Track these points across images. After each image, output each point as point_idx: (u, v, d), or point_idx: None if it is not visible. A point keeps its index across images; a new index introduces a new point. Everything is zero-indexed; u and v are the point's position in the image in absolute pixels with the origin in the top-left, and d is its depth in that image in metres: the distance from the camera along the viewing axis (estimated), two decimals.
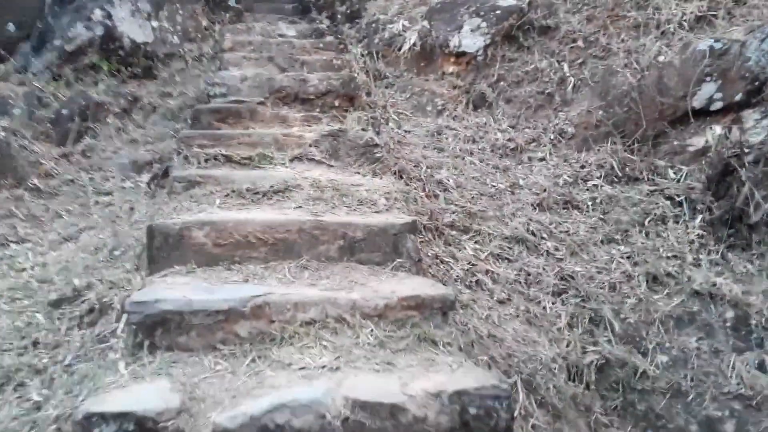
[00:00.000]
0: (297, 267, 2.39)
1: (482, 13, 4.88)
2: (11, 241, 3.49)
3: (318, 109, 4.49)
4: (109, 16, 5.04)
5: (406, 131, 4.55)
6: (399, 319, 2.01)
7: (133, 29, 5.23)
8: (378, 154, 3.34)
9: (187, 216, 2.51)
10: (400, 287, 2.17)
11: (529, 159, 4.32)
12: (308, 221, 2.47)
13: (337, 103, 4.55)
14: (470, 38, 4.84)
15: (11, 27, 4.95)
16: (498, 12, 4.85)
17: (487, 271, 3.13)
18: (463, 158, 4.26)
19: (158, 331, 1.90)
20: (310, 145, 3.32)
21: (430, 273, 2.75)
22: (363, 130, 3.70)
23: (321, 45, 5.50)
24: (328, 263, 2.43)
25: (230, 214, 2.56)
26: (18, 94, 4.76)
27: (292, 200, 2.77)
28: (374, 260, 2.47)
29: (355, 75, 4.79)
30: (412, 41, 5.04)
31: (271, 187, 2.81)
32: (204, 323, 1.91)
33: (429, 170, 3.88)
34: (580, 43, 4.82)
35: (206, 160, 3.16)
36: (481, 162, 4.23)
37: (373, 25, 5.84)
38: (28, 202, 3.94)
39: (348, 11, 6.35)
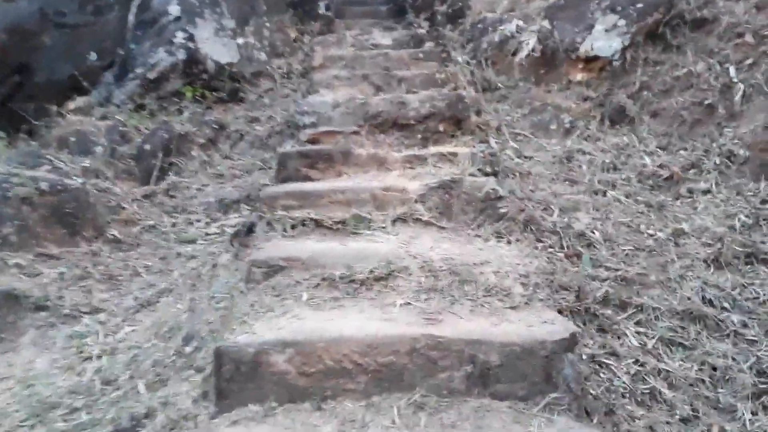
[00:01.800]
0: (409, 405, 1.71)
1: (619, 8, 3.96)
2: (84, 313, 3.08)
3: (420, 136, 3.83)
4: (192, 38, 4.59)
5: (526, 158, 3.75)
6: None
7: (217, 49, 4.76)
8: (502, 210, 2.60)
9: (265, 327, 1.90)
10: None
11: (690, 192, 3.40)
12: (422, 338, 1.79)
13: (441, 128, 3.86)
14: (604, 39, 3.94)
15: (93, 56, 4.63)
16: (639, 5, 3.92)
17: (660, 371, 2.31)
18: (605, 193, 3.41)
19: None
20: (416, 201, 2.64)
21: (591, 393, 1.99)
22: (480, 171, 2.96)
23: (420, 55, 4.79)
24: (452, 399, 1.74)
25: (319, 323, 1.92)
26: (100, 130, 4.41)
27: (396, 291, 2.10)
28: (517, 394, 1.75)
29: (462, 92, 4.05)
30: (530, 46, 4.21)
31: (371, 272, 2.15)
32: None
33: (564, 216, 3.07)
34: (748, 38, 3.79)
35: (293, 226, 2.57)
36: (627, 198, 3.37)
37: (479, 25, 5.05)
38: (105, 258, 3.54)
39: (449, 11, 5.58)
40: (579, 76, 4.08)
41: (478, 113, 4.09)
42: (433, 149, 3.59)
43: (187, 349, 2.42)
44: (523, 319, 1.96)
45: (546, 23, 4.28)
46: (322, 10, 5.73)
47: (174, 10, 4.62)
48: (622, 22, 3.90)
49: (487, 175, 2.94)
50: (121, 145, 4.38)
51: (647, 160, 3.62)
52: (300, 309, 2.02)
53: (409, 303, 2.02)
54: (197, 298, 2.96)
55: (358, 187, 2.71)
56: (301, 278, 2.16)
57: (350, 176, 3.05)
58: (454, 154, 3.07)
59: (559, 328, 1.87)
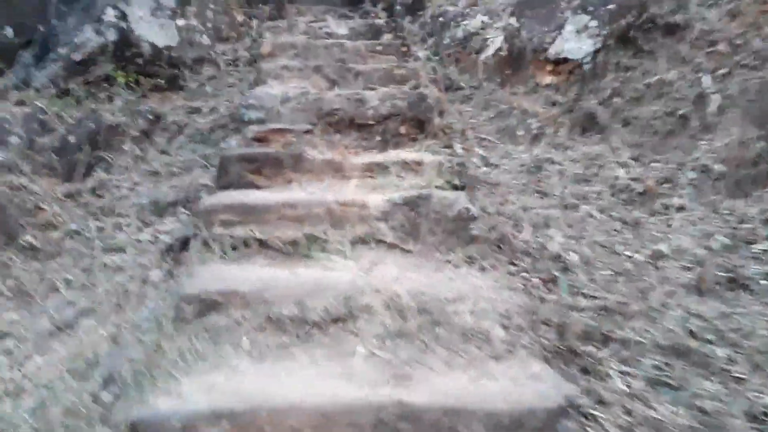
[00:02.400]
0: None
1: (590, 8, 3.69)
2: None
3: (379, 137, 3.48)
4: (124, 17, 4.06)
5: (493, 165, 3.46)
6: None
7: (154, 31, 4.25)
8: (474, 231, 2.28)
9: (195, 386, 1.52)
10: None
11: (665, 208, 3.17)
12: (390, 405, 1.45)
13: (403, 130, 3.52)
14: (575, 41, 3.67)
15: (9, 32, 4.03)
16: (611, 6, 3.66)
17: (649, 419, 2.05)
18: (577, 208, 3.15)
19: None
20: (378, 219, 2.29)
21: None
22: (448, 183, 2.64)
23: (379, 47, 4.42)
24: None
25: (262, 381, 1.55)
26: (17, 117, 3.84)
27: (357, 336, 1.75)
28: None
29: (425, 92, 3.71)
30: (496, 44, 3.90)
31: (327, 311, 1.79)
32: None
33: (536, 233, 2.80)
34: (722, 47, 3.59)
35: (233, 247, 2.17)
36: (601, 213, 3.12)
37: (441, 18, 4.72)
38: (17, 270, 3.04)
39: (408, 1, 5.22)
40: (547, 79, 3.81)
41: (441, 114, 3.76)
42: (393, 153, 3.25)
43: (105, 396, 2.00)
44: (507, 372, 1.65)
45: (513, 20, 3.98)
46: None
47: None
48: (593, 24, 3.64)
49: (455, 188, 2.62)
50: (42, 136, 3.82)
51: (620, 172, 3.38)
52: (239, 359, 1.65)
53: (372, 354, 1.67)
54: (122, 324, 2.52)
55: (312, 201, 2.33)
56: (241, 317, 1.78)
57: (302, 184, 2.67)
58: (419, 163, 2.73)
59: (549, 387, 1.57)
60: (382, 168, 2.72)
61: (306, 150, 2.79)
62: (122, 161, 3.90)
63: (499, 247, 2.57)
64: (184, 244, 2.68)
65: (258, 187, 2.66)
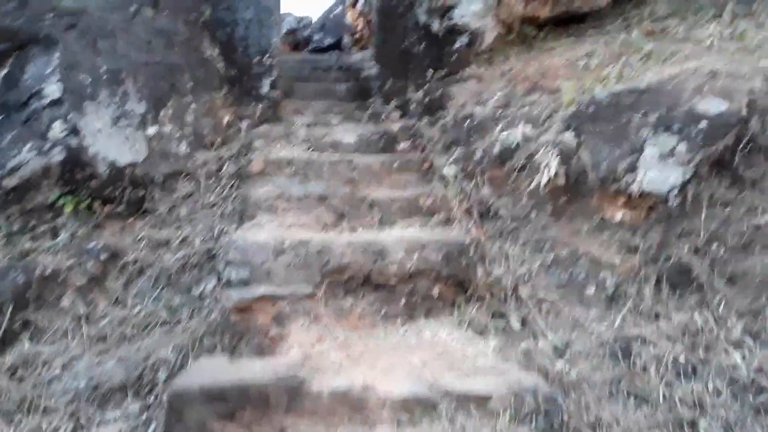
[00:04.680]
0: None
1: (676, 127, 2.77)
2: None
3: (403, 301, 2.50)
4: (75, 131, 3.10)
5: (562, 346, 2.43)
6: None
7: (114, 146, 3.28)
8: None
9: None
10: None
11: None
12: None
13: (436, 292, 2.55)
14: (658, 169, 2.73)
15: None
16: (702, 125, 2.74)
17: None
18: (694, 426, 2.12)
19: None
20: None
21: None
22: None
23: (395, 164, 3.46)
24: None
25: None
26: None
27: None
28: None
29: (464, 239, 2.74)
30: (552, 170, 2.95)
31: None
32: None
33: None
34: None
35: None
36: None
37: (466, 123, 3.80)
38: None
39: (426, 99, 4.31)
40: (619, 215, 2.85)
41: (483, 261, 2.77)
42: (427, 335, 2.26)
43: None
44: None
45: (569, 136, 3.05)
46: (265, 90, 4.33)
47: (52, 90, 3.13)
48: (682, 147, 2.71)
49: None
50: None
51: (736, 357, 2.38)
52: None
53: None
54: None
55: None
56: None
57: None
58: (484, 398, 1.69)
59: None
60: (426, 406, 1.68)
61: (306, 383, 1.74)
62: (59, 323, 2.86)
63: None
64: None
65: None
